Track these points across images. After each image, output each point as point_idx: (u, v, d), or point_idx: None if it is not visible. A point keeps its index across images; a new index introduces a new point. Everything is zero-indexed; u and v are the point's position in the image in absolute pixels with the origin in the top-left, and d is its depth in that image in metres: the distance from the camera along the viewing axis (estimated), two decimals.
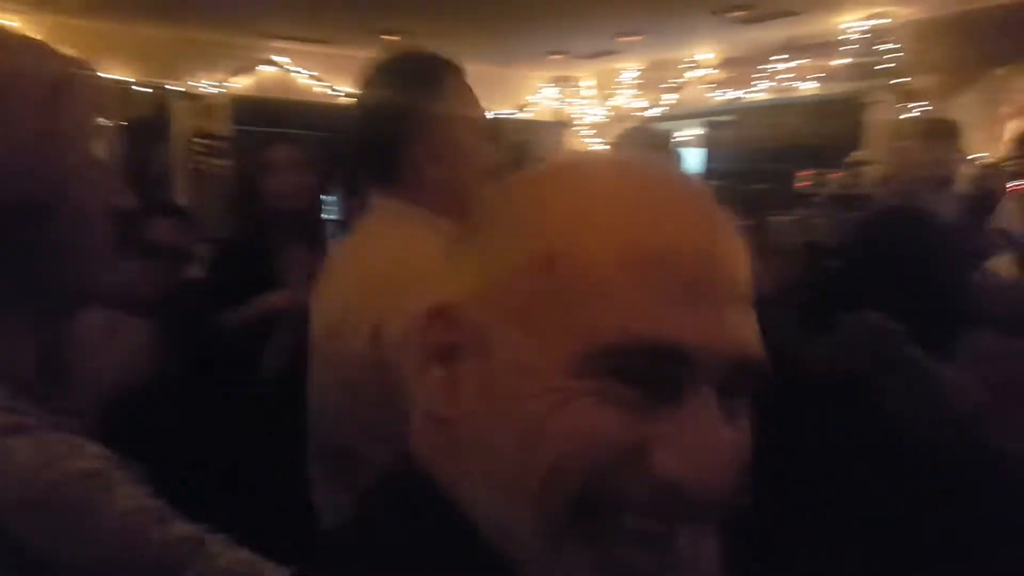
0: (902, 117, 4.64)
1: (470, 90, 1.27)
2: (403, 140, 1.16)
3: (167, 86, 6.24)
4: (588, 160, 0.55)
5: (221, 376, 2.02)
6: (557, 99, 7.65)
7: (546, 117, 7.73)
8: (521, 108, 7.53)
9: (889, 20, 4.87)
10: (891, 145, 4.50)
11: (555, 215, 0.47)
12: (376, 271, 1.07)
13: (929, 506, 1.26)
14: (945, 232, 1.52)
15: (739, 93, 5.99)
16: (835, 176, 4.55)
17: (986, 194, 2.94)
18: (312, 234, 2.38)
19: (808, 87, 5.45)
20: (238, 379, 2.04)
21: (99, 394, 0.93)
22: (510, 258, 0.46)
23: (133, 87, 6.04)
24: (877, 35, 4.84)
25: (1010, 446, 1.32)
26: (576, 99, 7.61)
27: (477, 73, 5.91)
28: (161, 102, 6.28)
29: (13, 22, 5.46)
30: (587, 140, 7.64)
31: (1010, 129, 3.86)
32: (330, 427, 1.12)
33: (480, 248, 0.49)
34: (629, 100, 7.04)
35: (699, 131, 7.11)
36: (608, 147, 6.81)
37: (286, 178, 2.31)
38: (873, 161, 4.59)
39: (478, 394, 0.46)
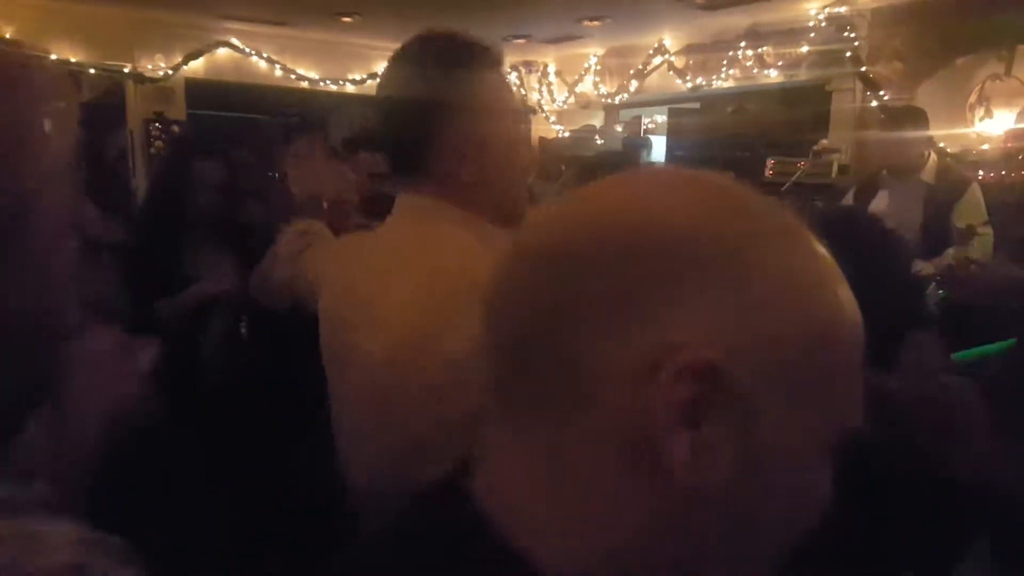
0: (868, 105, 4.64)
1: (506, 80, 1.15)
2: (434, 133, 1.04)
3: (122, 68, 5.97)
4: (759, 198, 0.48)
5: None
6: (518, 85, 7.53)
7: None
8: None
9: (844, 8, 4.85)
10: (856, 133, 4.51)
11: (810, 277, 0.45)
12: (444, 286, 0.93)
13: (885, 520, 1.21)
14: (884, 234, 1.47)
15: (703, 80, 5.94)
16: (801, 164, 4.53)
17: (952, 183, 2.94)
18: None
19: (773, 74, 5.42)
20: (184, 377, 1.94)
21: (97, 432, 0.78)
22: (782, 318, 0.43)
23: (86, 69, 5.77)
24: (840, 23, 4.82)
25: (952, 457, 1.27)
26: (540, 85, 7.50)
27: None
28: (115, 85, 6.01)
29: None
30: (551, 127, 7.56)
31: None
32: (375, 442, 1.01)
33: (717, 290, 0.43)
34: (593, 86, 6.96)
35: (663, 118, 7.08)
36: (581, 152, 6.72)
37: (313, 169, 2.25)
38: (839, 149, 4.59)
39: (732, 462, 0.42)
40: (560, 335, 0.44)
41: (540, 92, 7.48)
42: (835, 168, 4.44)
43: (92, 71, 5.84)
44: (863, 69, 4.70)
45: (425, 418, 0.92)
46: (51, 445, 0.67)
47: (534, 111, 7.58)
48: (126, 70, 5.99)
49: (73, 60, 5.70)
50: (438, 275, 0.95)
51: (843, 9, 4.87)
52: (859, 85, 4.79)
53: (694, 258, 0.43)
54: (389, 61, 1.10)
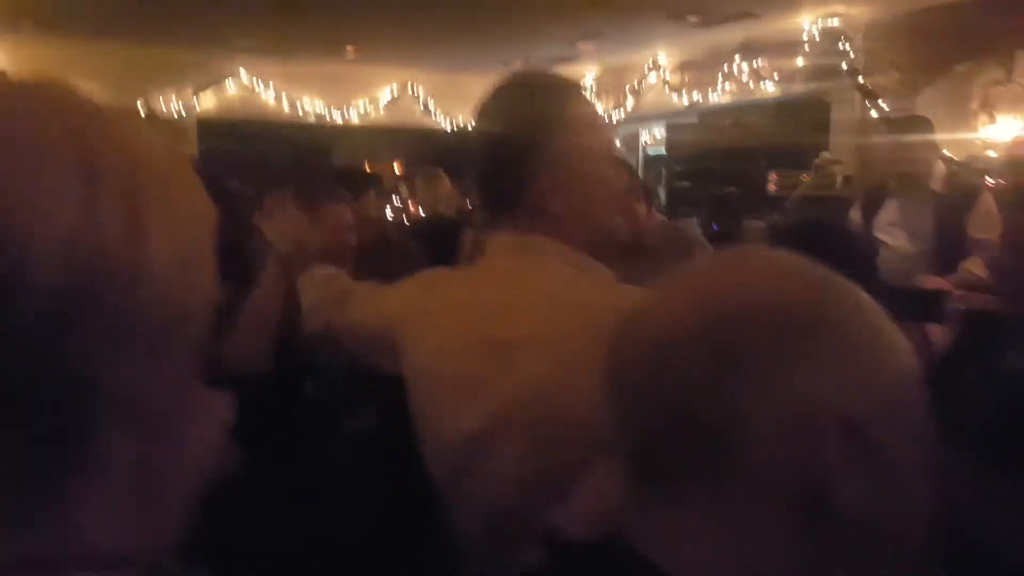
0: (868, 115, 4.66)
1: (594, 109, 1.16)
2: (535, 169, 1.03)
3: (137, 109, 6.02)
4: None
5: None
6: None
7: None
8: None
9: (837, 21, 4.89)
10: (859, 143, 4.52)
11: (888, 327, 0.54)
12: (594, 321, 0.92)
13: None
14: (855, 242, 1.49)
15: (699, 95, 5.98)
16: (804, 177, 4.54)
17: (962, 191, 2.92)
18: None
19: (769, 88, 5.46)
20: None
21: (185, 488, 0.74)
22: (890, 368, 0.52)
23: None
24: (836, 35, 4.86)
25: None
26: None
27: (434, 82, 5.84)
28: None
29: None
30: None
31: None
32: (515, 472, 0.98)
33: (848, 351, 0.51)
34: None
35: (661, 134, 7.12)
36: None
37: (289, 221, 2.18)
38: (841, 160, 4.60)
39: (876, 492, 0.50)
40: (721, 396, 0.50)
41: None
42: (839, 179, 4.45)
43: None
44: (861, 80, 4.73)
45: (581, 444, 0.90)
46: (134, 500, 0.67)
47: None
48: (141, 112, 6.06)
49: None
50: (589, 311, 0.93)
51: (836, 21, 4.92)
52: (858, 96, 4.83)
53: (831, 323, 0.51)
54: (484, 100, 1.10)
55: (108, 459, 0.43)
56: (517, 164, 1.03)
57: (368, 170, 7.76)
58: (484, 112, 1.09)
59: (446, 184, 4.45)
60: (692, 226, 3.62)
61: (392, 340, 1.12)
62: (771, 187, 4.82)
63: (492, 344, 1.01)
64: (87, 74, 5.71)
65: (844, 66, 4.77)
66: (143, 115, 6.00)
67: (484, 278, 1.10)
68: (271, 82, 6.54)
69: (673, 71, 6.25)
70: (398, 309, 1.14)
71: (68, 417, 0.41)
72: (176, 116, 6.19)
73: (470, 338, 1.03)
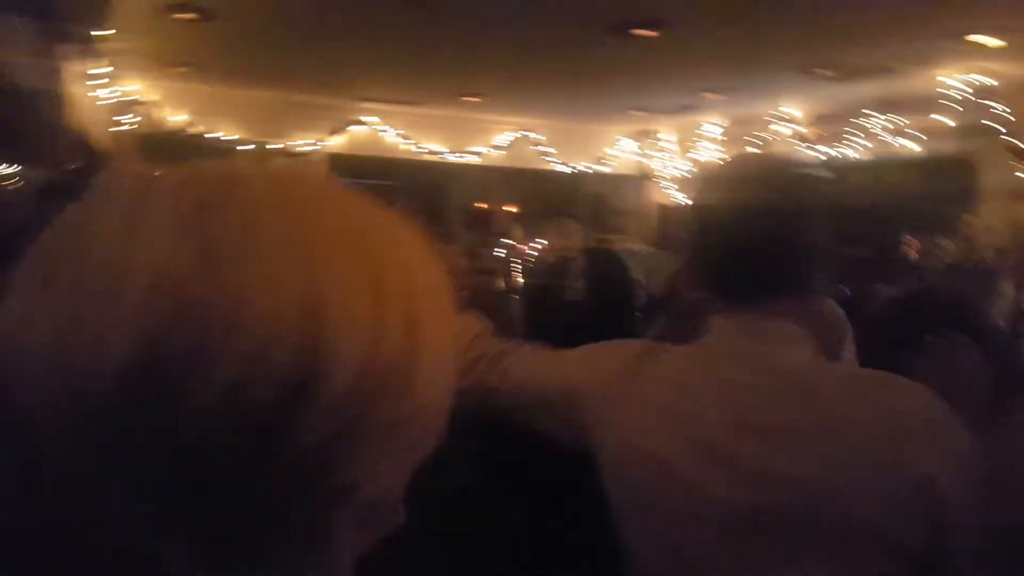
0: (1019, 178, 4.31)
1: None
2: (797, 252, 0.99)
3: (268, 145, 6.47)
4: None
5: None
6: (638, 152, 7.56)
7: (627, 170, 7.64)
8: (599, 160, 7.47)
9: (979, 76, 4.59)
10: (1009, 208, 4.17)
11: None
12: (908, 415, 0.90)
13: None
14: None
15: (829, 150, 5.74)
16: (945, 243, 4.23)
17: None
18: None
19: (906, 144, 5.17)
20: None
21: None
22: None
23: (237, 146, 6.31)
24: (983, 92, 4.56)
25: None
26: (656, 152, 7.50)
27: (555, 129, 5.91)
28: (263, 158, 6.52)
29: (135, 86, 5.80)
30: (668, 193, 7.49)
31: None
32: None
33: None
34: (711, 154, 6.88)
35: None
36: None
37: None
38: (988, 226, 4.26)
39: None
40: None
41: (658, 160, 7.48)
42: (990, 250, 4.09)
43: (248, 147, 6.39)
44: (1010, 140, 4.40)
45: (869, 548, 0.89)
46: None
47: (650, 178, 7.57)
48: (278, 147, 6.50)
49: (231, 137, 6.26)
50: (904, 405, 0.92)
51: (982, 79, 4.60)
52: (1007, 157, 4.48)
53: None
54: (720, 179, 1.09)
55: (339, 555, 0.41)
56: (790, 245, 0.99)
57: (484, 209, 7.97)
58: (719, 188, 1.05)
59: (578, 233, 4.45)
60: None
61: (574, 412, 1.05)
62: (909, 252, 4.51)
63: (749, 429, 0.94)
64: (230, 115, 6.26)
65: (991, 124, 4.44)
66: (282, 151, 6.46)
67: (718, 359, 1.01)
68: (397, 127, 6.86)
69: (805, 124, 6.05)
70: (588, 379, 1.06)
71: (320, 521, 0.39)
72: (309, 153, 6.59)
73: (712, 421, 0.96)
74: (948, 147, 4.91)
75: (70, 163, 5.50)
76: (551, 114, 6.90)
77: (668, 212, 7.47)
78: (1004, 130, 4.49)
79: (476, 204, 7.16)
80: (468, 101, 6.39)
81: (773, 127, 6.19)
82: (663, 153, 7.41)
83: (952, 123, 4.79)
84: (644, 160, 7.54)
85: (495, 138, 7.11)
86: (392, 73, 5.56)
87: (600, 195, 8.20)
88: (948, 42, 4.12)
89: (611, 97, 6.10)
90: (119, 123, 5.69)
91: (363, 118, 6.78)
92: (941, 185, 5.06)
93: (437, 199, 6.81)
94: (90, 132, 5.07)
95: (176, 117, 6.12)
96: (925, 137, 5.03)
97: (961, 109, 4.71)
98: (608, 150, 7.52)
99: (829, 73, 4.89)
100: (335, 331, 0.35)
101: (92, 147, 5.20)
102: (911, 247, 4.35)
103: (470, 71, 5.39)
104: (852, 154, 5.57)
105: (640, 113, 6.74)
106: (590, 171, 7.46)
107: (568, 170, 7.33)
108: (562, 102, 6.32)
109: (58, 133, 3.56)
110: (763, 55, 4.59)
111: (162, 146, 6.77)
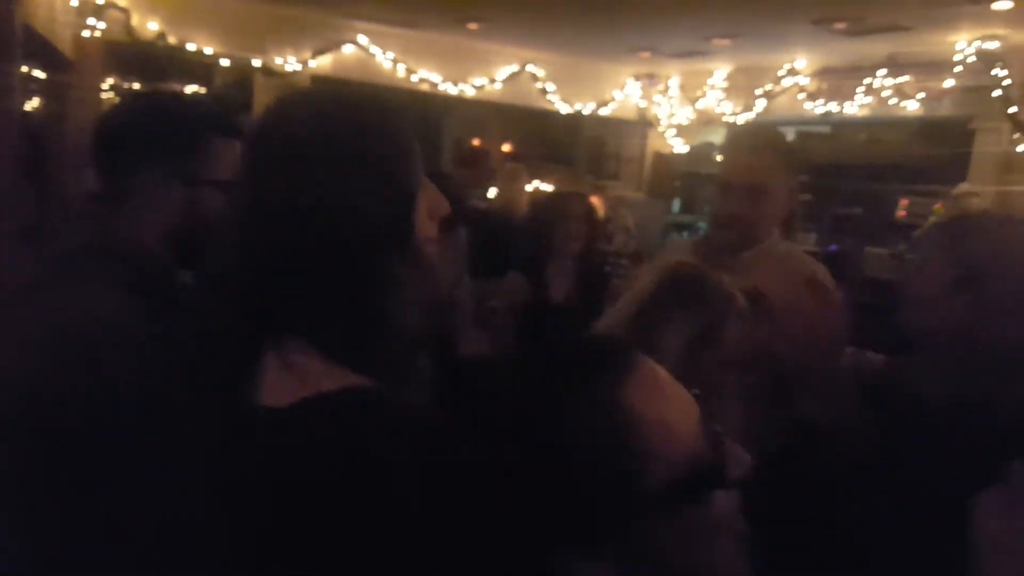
0: (1015, 150, 4.62)
1: None
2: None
3: (251, 60, 6.55)
4: None
5: None
6: (641, 97, 7.77)
7: (629, 115, 7.84)
8: (603, 104, 7.65)
9: (996, 44, 4.87)
10: (1002, 178, 4.49)
11: None
12: None
13: None
14: None
15: (834, 105, 6.03)
16: (937, 207, 4.58)
17: None
18: None
19: (911, 106, 5.47)
20: None
21: None
22: None
23: (219, 60, 6.40)
24: (991, 58, 4.84)
25: None
26: (661, 98, 7.71)
27: (560, 64, 6.10)
28: (245, 77, 6.61)
29: None
30: (667, 141, 7.75)
31: None
32: None
33: None
34: (716, 103, 7.14)
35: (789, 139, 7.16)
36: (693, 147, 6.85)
37: None
38: (979, 193, 4.60)
39: None
40: None
41: (660, 106, 7.71)
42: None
43: (225, 62, 6.48)
44: (1013, 110, 4.70)
45: None
46: None
47: (652, 124, 7.82)
48: (257, 63, 6.59)
49: (208, 51, 6.35)
50: None
51: (994, 45, 4.90)
52: (1006, 126, 4.81)
53: None
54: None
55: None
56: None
57: (479, 147, 8.13)
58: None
59: (524, 180, 4.74)
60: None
61: None
62: (900, 213, 4.87)
63: None
64: (207, 26, 6.28)
65: (996, 92, 4.74)
66: (261, 69, 6.54)
67: None
68: (389, 51, 6.93)
69: (810, 77, 6.31)
70: None
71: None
72: (291, 73, 6.67)
73: None
74: (948, 111, 5.22)
75: (33, 66, 5.56)
76: (555, 47, 7.00)
77: (664, 160, 7.74)
78: (1011, 99, 4.79)
79: (472, 141, 7.26)
80: (468, 28, 6.49)
81: (781, 78, 6.44)
82: (667, 99, 7.63)
83: (957, 87, 5.08)
84: (647, 106, 7.76)
85: (495, 71, 7.24)
86: None
87: (599, 138, 8.45)
88: (971, 7, 4.33)
89: (619, 34, 6.23)
90: (88, 27, 5.74)
91: (353, 38, 6.85)
92: (938, 149, 5.39)
93: (429, 133, 6.87)
94: (55, 35, 5.15)
95: (149, 24, 6.15)
96: (929, 98, 5.31)
97: (968, 74, 5.00)
98: (615, 92, 7.66)
99: (842, 26, 5.13)
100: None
101: (57, 52, 5.28)
102: (902, 208, 4.68)
103: None
104: (853, 111, 5.85)
105: (645, 54, 6.92)
106: (591, 113, 7.64)
107: (568, 109, 7.49)
108: (568, 34, 6.42)
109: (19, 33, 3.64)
110: (779, 3, 4.80)
111: (132, 56, 6.82)
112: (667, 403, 0.67)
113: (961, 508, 1.14)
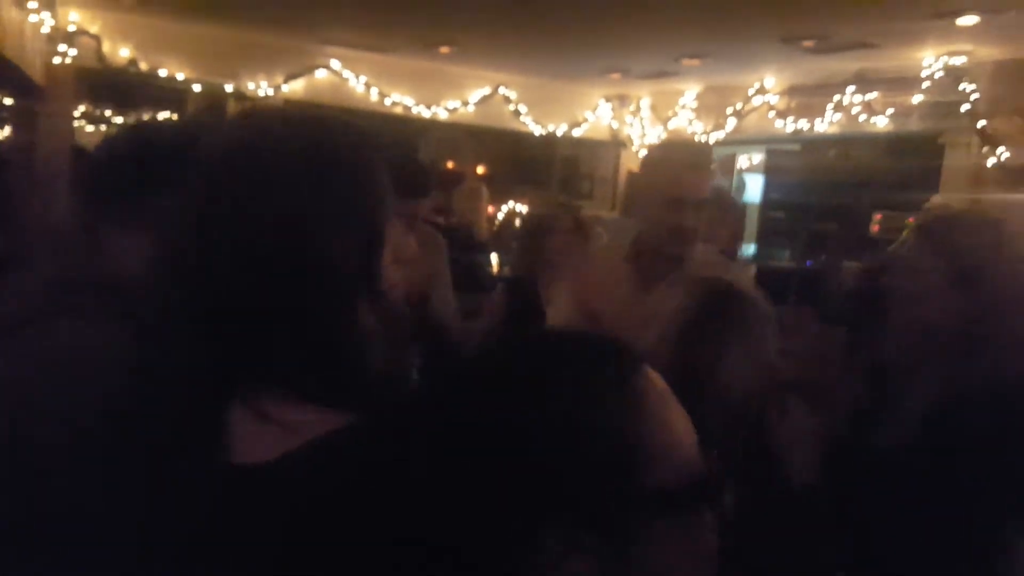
0: (985, 163, 4.74)
1: None
2: None
3: (224, 86, 6.52)
4: None
5: None
6: (613, 118, 7.85)
7: (602, 136, 7.92)
8: (575, 125, 7.73)
9: (963, 59, 4.99)
10: (974, 191, 4.60)
11: None
12: None
13: None
14: None
15: (804, 123, 6.13)
16: (911, 221, 4.66)
17: None
18: None
19: (880, 122, 5.58)
20: None
21: None
22: None
23: (191, 86, 6.37)
24: (958, 74, 4.97)
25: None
26: (633, 118, 7.80)
27: (532, 87, 6.18)
28: (218, 102, 6.57)
29: (75, 14, 5.81)
30: (640, 160, 7.82)
31: None
32: None
33: None
34: (687, 123, 7.23)
35: (759, 157, 7.27)
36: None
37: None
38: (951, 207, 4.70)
39: None
40: None
41: (633, 126, 7.80)
42: None
43: (197, 88, 6.44)
44: (981, 124, 4.82)
45: None
46: None
47: (625, 145, 7.90)
48: (229, 89, 6.56)
49: (180, 77, 6.32)
50: None
51: (961, 60, 5.02)
52: (975, 140, 4.93)
53: None
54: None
55: None
56: None
57: (453, 170, 8.17)
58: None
59: (485, 199, 4.80)
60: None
61: None
62: (874, 228, 4.95)
63: None
64: (178, 53, 6.27)
65: (964, 107, 4.87)
66: (233, 94, 6.52)
67: None
68: (362, 75, 6.95)
69: (780, 95, 6.43)
70: None
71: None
72: (263, 98, 6.64)
73: None
74: (918, 126, 5.34)
75: (2, 94, 5.50)
76: (526, 70, 7.06)
77: (634, 179, 7.82)
78: (978, 114, 4.92)
79: (446, 164, 7.29)
80: (440, 51, 6.54)
81: (749, 96, 6.55)
82: (638, 119, 7.73)
83: (926, 103, 5.21)
84: (619, 127, 7.85)
85: (468, 94, 7.29)
86: (359, 14, 5.63)
87: (572, 159, 8.52)
88: (936, 22, 4.44)
89: (590, 56, 6.32)
90: (59, 54, 5.71)
91: (326, 62, 6.86)
92: (909, 164, 5.51)
93: (403, 156, 6.93)
94: (25, 61, 5.10)
95: (121, 51, 6.12)
96: (898, 114, 5.44)
97: (936, 89, 5.13)
98: (587, 113, 7.74)
99: (810, 44, 5.24)
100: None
101: (27, 78, 5.23)
102: (876, 223, 4.77)
103: (444, 16, 5.48)
104: (823, 128, 5.96)
105: (616, 76, 7.00)
106: (563, 134, 7.71)
107: (541, 131, 7.56)
108: (539, 57, 6.49)
109: None
110: (747, 22, 4.89)
111: (104, 83, 6.77)
112: (671, 408, 0.68)
113: (967, 509, 1.15)
